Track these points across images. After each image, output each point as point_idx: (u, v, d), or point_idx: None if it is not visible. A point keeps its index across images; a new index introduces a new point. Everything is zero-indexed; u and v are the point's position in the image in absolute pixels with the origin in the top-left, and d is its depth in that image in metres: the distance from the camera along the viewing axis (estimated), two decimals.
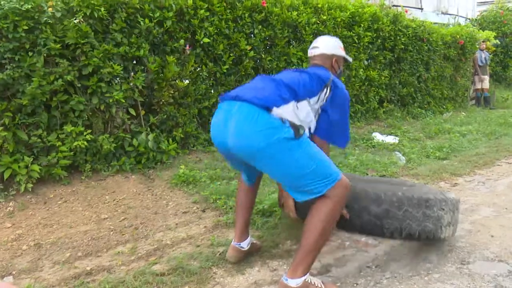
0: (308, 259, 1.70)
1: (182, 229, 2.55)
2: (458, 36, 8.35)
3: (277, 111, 1.69)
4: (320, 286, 1.74)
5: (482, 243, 2.21)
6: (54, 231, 2.55)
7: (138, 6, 3.62)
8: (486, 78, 9.74)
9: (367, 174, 3.77)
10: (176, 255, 2.15)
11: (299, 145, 1.68)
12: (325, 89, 1.92)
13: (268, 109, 1.69)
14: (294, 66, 5.15)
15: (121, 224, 2.63)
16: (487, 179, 3.59)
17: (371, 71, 6.19)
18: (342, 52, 2.21)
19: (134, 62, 3.76)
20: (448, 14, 16.30)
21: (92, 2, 3.22)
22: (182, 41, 3.96)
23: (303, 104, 1.83)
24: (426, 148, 4.80)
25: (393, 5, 13.83)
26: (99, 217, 2.77)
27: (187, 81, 4.30)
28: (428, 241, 2.03)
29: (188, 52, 4.15)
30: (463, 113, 8.30)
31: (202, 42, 4.18)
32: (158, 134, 3.93)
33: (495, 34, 10.65)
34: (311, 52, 2.22)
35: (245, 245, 2.11)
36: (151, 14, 3.68)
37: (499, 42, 10.94)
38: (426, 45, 7.29)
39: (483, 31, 10.74)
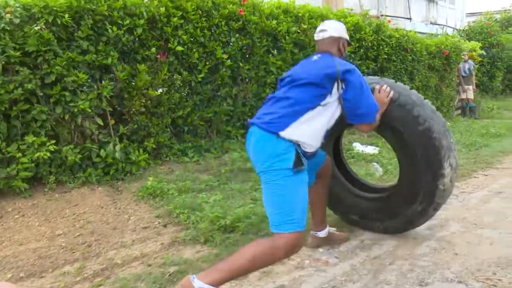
0: (223, 275, 1.68)
1: (137, 246, 2.44)
2: (443, 46, 8.37)
3: (284, 134, 1.82)
4: None
5: (444, 262, 2.12)
6: (3, 248, 2.42)
7: (107, 13, 3.53)
8: (470, 88, 9.76)
9: None
10: (124, 276, 2.04)
11: (287, 184, 1.77)
12: (335, 84, 1.98)
13: (275, 134, 1.83)
14: (273, 76, 5.08)
15: (75, 240, 2.51)
16: (461, 192, 3.52)
17: None
18: (346, 35, 2.30)
19: (103, 70, 3.65)
20: (436, 24, 16.43)
21: (55, 8, 3.12)
22: (153, 49, 3.87)
23: (317, 111, 1.93)
24: None
25: (381, 15, 13.92)
26: (54, 233, 2.65)
27: (160, 90, 4.21)
28: None
29: (161, 60, 4.06)
30: (448, 123, 8.27)
31: (175, 50, 4.09)
32: (127, 145, 3.82)
33: (481, 45, 10.72)
34: (318, 36, 2.27)
35: (322, 234, 2.38)
36: (120, 22, 3.59)
37: (485, 53, 11.00)
38: (410, 55, 7.27)
39: (470, 42, 10.82)
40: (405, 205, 2.39)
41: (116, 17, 3.57)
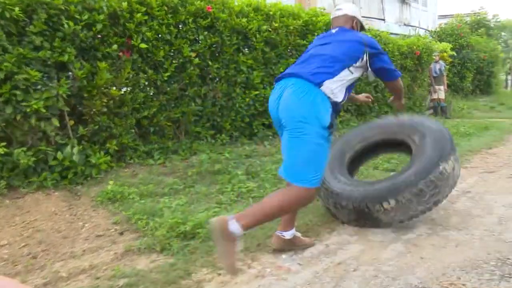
0: (254, 219, 1.98)
1: (88, 256, 2.27)
2: (414, 47, 8.46)
3: (323, 88, 2.04)
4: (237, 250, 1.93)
5: (409, 267, 2.05)
6: None
7: (63, 7, 3.32)
8: (442, 88, 9.92)
9: None
10: None
11: (321, 143, 2.03)
12: (364, 55, 2.22)
13: (318, 84, 2.04)
14: (244, 75, 4.97)
15: (19, 252, 2.32)
16: None
17: None
18: (361, 18, 2.52)
19: (59, 68, 3.44)
20: (410, 25, 16.71)
21: (3, 1, 2.90)
22: (115, 46, 3.68)
23: (347, 72, 2.17)
24: (375, 159, 4.70)
25: None
26: None
27: (125, 89, 4.03)
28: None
29: (124, 58, 3.87)
30: None
31: (139, 48, 3.92)
32: (85, 147, 3.62)
33: (452, 46, 10.92)
34: (334, 14, 2.51)
35: (288, 235, 2.29)
36: (77, 16, 3.39)
37: (455, 54, 11.22)
38: None
39: (441, 43, 11.02)
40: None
41: (73, 12, 3.37)
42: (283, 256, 2.24)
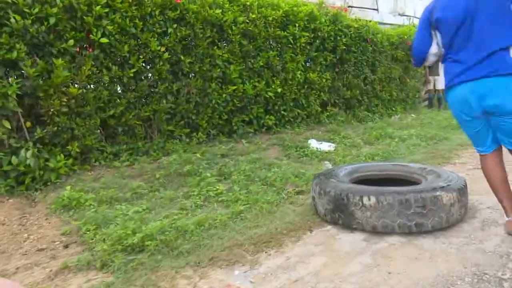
0: None
1: (20, 275, 2.04)
2: (406, 37, 8.17)
3: None
4: None
5: (374, 284, 1.82)
6: None
7: (10, 0, 3.06)
8: (438, 79, 9.63)
9: (284, 189, 3.37)
10: None
11: None
12: None
13: None
14: (219, 69, 4.71)
15: None
16: None
17: (310, 73, 5.83)
18: None
19: (8, 66, 3.19)
20: (404, 15, 16.37)
21: None
22: (71, 42, 3.43)
23: None
24: (360, 155, 4.47)
25: (349, 6, 13.69)
26: None
27: (88, 87, 3.78)
28: None
29: (85, 54, 3.62)
30: (412, 115, 8.12)
31: (100, 43, 3.66)
32: (46, 150, 3.39)
33: None
34: None
35: None
36: (27, 10, 3.14)
37: None
38: (371, 46, 7.02)
39: None
40: None
41: (21, 5, 3.11)
42: (236, 272, 2.01)
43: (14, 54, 3.07)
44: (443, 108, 9.55)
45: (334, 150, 4.81)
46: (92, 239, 2.41)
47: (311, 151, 4.69)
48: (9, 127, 3.17)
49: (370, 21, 7.14)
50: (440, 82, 9.65)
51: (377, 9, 15.05)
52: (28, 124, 3.41)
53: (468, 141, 5.43)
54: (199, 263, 2.09)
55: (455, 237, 2.31)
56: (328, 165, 4.14)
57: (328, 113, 6.33)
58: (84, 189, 3.23)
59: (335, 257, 2.12)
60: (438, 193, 2.35)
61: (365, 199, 2.37)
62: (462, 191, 2.49)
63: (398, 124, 6.60)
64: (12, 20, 3.03)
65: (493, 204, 2.81)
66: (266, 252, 2.23)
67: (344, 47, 6.38)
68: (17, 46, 3.09)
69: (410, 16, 15.70)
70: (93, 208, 2.92)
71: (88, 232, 2.47)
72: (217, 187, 3.36)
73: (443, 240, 2.27)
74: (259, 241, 2.35)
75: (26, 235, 2.59)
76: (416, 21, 14.46)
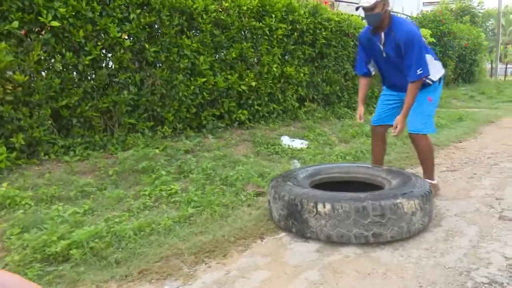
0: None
1: None
2: None
3: None
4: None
5: None
6: None
7: None
8: None
9: (244, 190, 3.15)
10: None
11: None
12: None
13: None
14: (188, 60, 4.44)
15: None
16: None
17: (287, 67, 5.59)
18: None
19: None
20: (393, 12, 16.21)
21: None
22: (15, 23, 3.13)
23: None
24: (332, 154, 4.26)
25: (336, 0, 13.46)
26: None
27: (39, 74, 3.48)
28: None
29: (33, 37, 3.32)
30: None
31: (52, 27, 3.37)
32: None
33: (431, 33, 10.47)
34: None
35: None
36: None
37: (435, 41, 10.78)
38: (352, 40, 6.81)
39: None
40: None
41: None
42: (166, 287, 1.78)
43: None
44: None
45: (306, 147, 4.60)
46: (15, 244, 2.15)
47: (282, 149, 4.47)
48: None
49: (352, 15, 6.91)
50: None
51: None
52: None
53: (445, 140, 5.30)
54: (126, 276, 1.86)
55: (415, 249, 2.11)
56: (296, 164, 3.93)
57: (305, 109, 6.11)
58: (24, 186, 2.96)
59: (280, 272, 1.90)
60: (398, 200, 2.15)
61: (319, 206, 2.16)
62: (426, 198, 2.29)
63: None
64: None
65: (460, 211, 2.63)
66: (206, 264, 2.00)
67: (324, 41, 6.16)
68: None
69: (397, 12, 15.53)
70: (28, 208, 2.66)
71: (12, 237, 2.21)
72: (172, 187, 3.12)
73: (402, 253, 2.07)
74: (201, 250, 2.13)
75: None
76: (403, 18, 14.31)
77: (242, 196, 3.04)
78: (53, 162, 3.52)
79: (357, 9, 2.83)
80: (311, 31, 5.89)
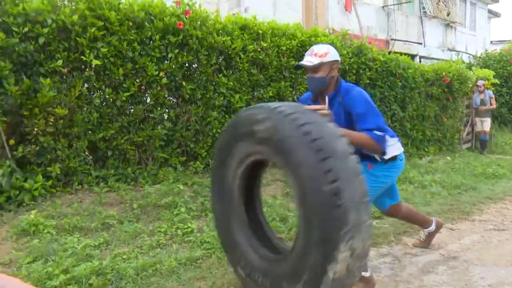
0: None
1: None
2: (443, 73, 7.59)
3: None
4: None
5: None
6: None
7: (0, 19, 3.09)
8: (486, 120, 8.87)
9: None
10: None
11: None
12: None
13: None
14: (223, 98, 4.52)
15: None
16: (406, 253, 2.77)
17: None
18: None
19: None
20: (454, 50, 15.53)
21: None
22: (60, 62, 3.39)
23: None
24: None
25: (391, 39, 13.23)
26: None
27: (78, 108, 3.72)
28: None
29: (76, 75, 3.57)
30: (448, 157, 7.42)
31: (95, 65, 3.61)
32: (21, 169, 3.32)
33: (494, 73, 9.79)
34: None
35: None
36: (15, 29, 3.15)
37: (498, 82, 10.06)
38: (400, 81, 6.56)
39: (481, 70, 9.93)
40: (289, 282, 1.77)
41: (11, 24, 3.13)
42: None
43: None
44: (488, 152, 8.70)
45: None
46: (21, 274, 2.21)
47: None
48: None
49: (400, 54, 6.69)
50: (488, 123, 8.88)
51: (423, 43, 14.43)
52: (12, 142, 3.38)
53: (500, 193, 4.77)
54: None
55: None
56: None
57: None
58: (51, 215, 3.10)
59: None
60: (330, 274, 1.61)
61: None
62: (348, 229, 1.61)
63: (426, 167, 6.00)
64: None
65: (496, 281, 2.29)
66: None
67: (369, 81, 5.99)
68: (1, 63, 3.08)
69: (460, 51, 14.84)
70: (49, 237, 2.76)
71: (22, 266, 2.28)
72: (189, 225, 3.09)
73: None
74: None
75: None
76: (466, 57, 13.59)
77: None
78: (85, 192, 3.67)
79: (296, 68, 2.37)
80: (354, 71, 5.77)
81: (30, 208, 3.24)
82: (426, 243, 2.91)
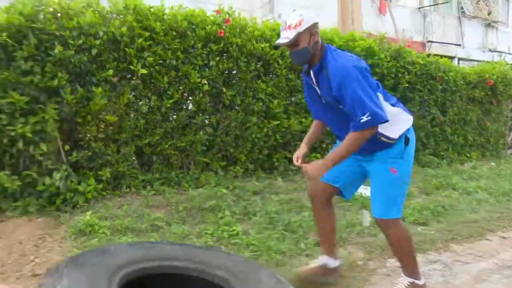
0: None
1: None
2: (486, 76, 7.33)
3: None
4: None
5: None
6: None
7: (58, 33, 3.31)
8: None
9: (304, 239, 3.05)
10: None
11: None
12: None
13: None
14: (262, 103, 4.59)
15: None
16: (456, 260, 2.72)
17: None
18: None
19: (53, 92, 3.40)
20: (496, 51, 14.92)
21: None
22: (111, 72, 3.58)
23: None
24: (407, 207, 3.93)
25: (428, 41, 12.92)
26: None
27: (126, 115, 3.90)
28: None
29: (124, 83, 3.75)
30: (492, 163, 7.13)
31: (141, 73, 3.78)
32: (75, 173, 3.52)
33: None
34: None
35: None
36: (71, 41, 3.35)
37: None
38: (441, 84, 6.40)
39: None
40: None
41: (67, 36, 3.34)
42: None
43: (56, 82, 3.27)
44: None
45: None
46: None
47: (353, 197, 4.27)
48: (45, 150, 3.34)
49: (441, 57, 6.54)
50: None
51: (461, 45, 13.97)
52: (67, 147, 3.59)
53: None
54: None
55: None
56: (366, 215, 3.70)
57: None
58: (104, 216, 3.26)
59: None
60: None
61: None
62: None
63: (469, 173, 5.81)
64: (56, 50, 3.24)
65: None
66: None
67: (407, 85, 5.89)
68: (59, 74, 3.29)
69: (503, 52, 14.24)
70: (104, 237, 2.91)
71: None
72: (234, 228, 3.16)
73: None
74: None
75: (32, 257, 2.64)
76: (509, 58, 13.07)
77: (302, 244, 2.95)
78: (133, 195, 3.83)
79: (275, 48, 2.19)
80: (393, 75, 5.69)
81: (84, 209, 3.42)
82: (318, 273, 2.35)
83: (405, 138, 2.09)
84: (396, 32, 10.46)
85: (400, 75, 5.77)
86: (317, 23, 2.06)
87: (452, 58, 12.89)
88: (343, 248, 2.97)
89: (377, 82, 2.17)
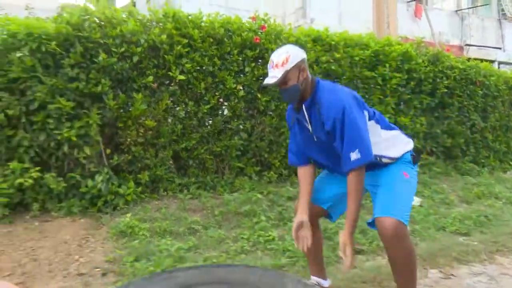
0: None
1: None
2: None
3: None
4: None
5: None
6: None
7: (102, 41, 3.45)
8: None
9: None
10: None
11: None
12: None
13: None
14: None
15: None
16: (503, 273, 2.60)
17: (402, 117, 5.32)
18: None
19: (94, 98, 3.54)
20: None
21: (40, 35, 3.10)
22: (151, 78, 3.69)
23: None
24: (448, 216, 3.81)
25: (466, 44, 12.50)
26: None
27: (165, 120, 4.00)
28: None
29: (162, 89, 3.86)
30: None
31: (179, 80, 3.88)
32: (121, 176, 3.65)
33: None
34: None
35: None
36: (114, 49, 3.49)
37: None
38: (481, 89, 6.17)
39: None
40: None
41: (110, 44, 3.48)
42: None
43: (99, 88, 3.40)
44: None
45: (419, 205, 4.22)
46: (127, 271, 2.42)
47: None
48: (89, 153, 3.48)
49: (480, 61, 6.31)
50: None
51: (502, 48, 13.43)
52: (108, 151, 3.72)
53: None
54: None
55: None
56: None
57: (422, 162, 5.65)
58: (143, 218, 3.35)
59: None
60: None
61: None
62: None
63: None
64: (100, 58, 3.38)
65: None
66: None
67: (446, 90, 5.72)
68: (103, 81, 3.43)
69: None
70: (144, 238, 2.99)
71: (126, 264, 2.50)
72: (270, 233, 3.17)
73: None
74: None
75: (77, 257, 2.75)
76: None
77: (339, 252, 2.90)
78: (170, 198, 3.91)
79: (263, 87, 2.07)
80: (431, 80, 5.54)
81: (124, 211, 3.53)
82: None
83: (411, 156, 2.04)
84: (432, 35, 10.19)
85: (438, 80, 5.62)
86: (304, 58, 1.98)
87: (492, 62, 12.41)
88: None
89: (374, 110, 2.08)
